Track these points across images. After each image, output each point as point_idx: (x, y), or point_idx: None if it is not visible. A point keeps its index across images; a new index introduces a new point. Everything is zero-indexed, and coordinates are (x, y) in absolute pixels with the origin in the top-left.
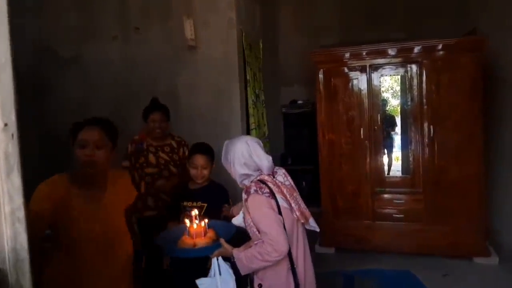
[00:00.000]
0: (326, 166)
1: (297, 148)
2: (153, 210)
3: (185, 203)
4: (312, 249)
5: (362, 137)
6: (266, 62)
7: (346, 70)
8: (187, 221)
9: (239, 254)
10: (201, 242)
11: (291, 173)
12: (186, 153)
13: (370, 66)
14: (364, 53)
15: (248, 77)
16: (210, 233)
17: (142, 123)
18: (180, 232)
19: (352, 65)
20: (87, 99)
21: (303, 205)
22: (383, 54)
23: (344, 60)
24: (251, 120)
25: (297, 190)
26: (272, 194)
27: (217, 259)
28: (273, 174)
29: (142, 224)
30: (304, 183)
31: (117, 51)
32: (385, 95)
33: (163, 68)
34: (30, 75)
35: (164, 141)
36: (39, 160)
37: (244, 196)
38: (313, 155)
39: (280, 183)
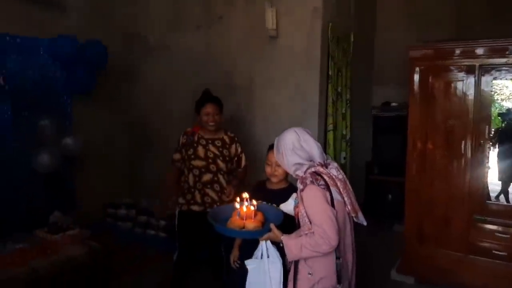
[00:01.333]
0: (415, 182)
1: (386, 157)
2: (199, 206)
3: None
4: (387, 275)
5: (462, 151)
6: (358, 57)
7: (449, 70)
8: (237, 203)
9: (289, 241)
10: (251, 224)
11: (377, 184)
12: (239, 150)
13: (481, 66)
14: (476, 50)
15: (330, 73)
16: (259, 216)
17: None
18: (229, 212)
19: (458, 64)
20: (168, 87)
21: (354, 198)
22: (501, 52)
23: (448, 57)
24: (329, 120)
25: (349, 184)
26: (327, 187)
27: (265, 243)
28: (325, 165)
29: (184, 219)
30: (390, 196)
31: (200, 41)
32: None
33: (241, 59)
34: (121, 61)
35: (216, 135)
36: (128, 141)
37: (299, 186)
38: (404, 166)
39: (334, 176)
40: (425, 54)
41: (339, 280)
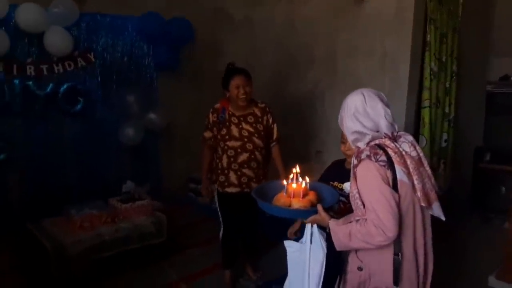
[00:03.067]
0: None
1: (501, 142)
2: (235, 187)
3: (335, 183)
4: (484, 281)
5: None
6: (471, 21)
7: None
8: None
9: (336, 227)
10: (298, 203)
11: (488, 173)
12: (270, 121)
13: None
14: None
15: (429, 39)
16: (311, 196)
17: (294, 87)
18: (278, 189)
19: None
20: (251, 62)
21: (429, 184)
22: None
23: None
24: (425, 94)
25: (427, 165)
26: (390, 164)
27: (311, 226)
28: (394, 138)
29: (222, 200)
30: (503, 188)
31: (281, 13)
32: None
33: (323, 29)
34: (206, 37)
35: (247, 110)
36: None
37: (354, 161)
38: None
39: (404, 152)
40: None
41: (395, 280)
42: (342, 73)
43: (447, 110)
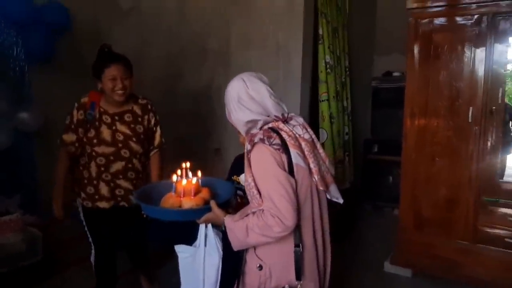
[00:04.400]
0: (412, 159)
1: (387, 134)
2: (108, 201)
3: (235, 177)
4: (381, 267)
5: (470, 120)
6: (357, 20)
7: (457, 20)
8: (175, 175)
9: (231, 223)
10: (189, 202)
11: (376, 164)
12: (153, 121)
13: (494, 14)
14: None
15: (321, 32)
16: (204, 193)
17: (187, 81)
18: (166, 189)
19: (468, 12)
20: (140, 54)
21: (324, 167)
22: None
23: (457, 5)
24: (322, 88)
25: (320, 147)
26: (284, 147)
27: (205, 227)
28: (286, 119)
29: (91, 217)
30: (391, 178)
31: (172, 3)
32: None
33: (216, 20)
34: (89, 26)
35: (123, 106)
36: None
37: (247, 146)
38: None
39: (297, 135)
40: (424, 2)
41: (297, 274)
42: (236, 65)
43: (345, 104)
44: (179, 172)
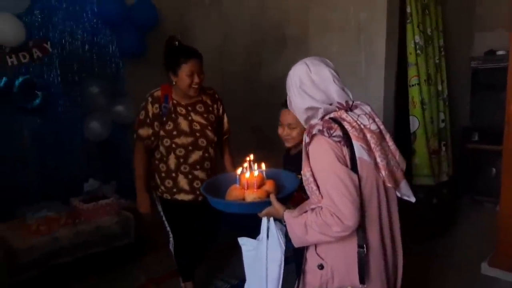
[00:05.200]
0: None
1: (489, 120)
2: (187, 194)
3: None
4: (477, 268)
5: None
6: None
7: None
8: (240, 168)
9: (290, 219)
10: (251, 195)
11: (476, 154)
12: (221, 109)
13: None
14: None
15: (409, 10)
16: (268, 186)
17: (266, 70)
18: (233, 180)
19: None
20: (222, 46)
21: (394, 161)
22: None
23: None
24: (412, 71)
25: (390, 138)
26: (347, 140)
27: (268, 220)
28: (350, 107)
29: (170, 209)
30: (494, 170)
31: None
32: None
33: (294, 4)
34: (174, 21)
35: (194, 97)
36: None
37: (305, 138)
38: None
39: (362, 125)
40: None
41: (361, 277)
42: (315, 52)
43: (440, 88)
44: (245, 164)
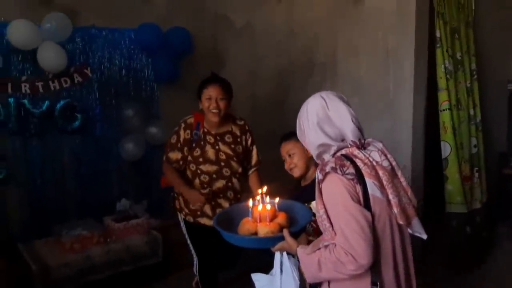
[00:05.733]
0: None
1: None
2: (209, 219)
3: (307, 205)
4: None
5: None
6: (487, 17)
7: None
8: (251, 200)
9: (303, 256)
10: (264, 229)
11: (509, 179)
12: (249, 141)
13: None
14: None
15: (439, 34)
16: (280, 218)
17: (295, 93)
18: (246, 212)
19: None
20: (253, 71)
21: (405, 198)
22: None
23: None
24: (442, 96)
25: (402, 174)
26: (359, 177)
27: (281, 254)
28: (363, 145)
29: (193, 231)
30: None
31: (281, 16)
32: None
33: (323, 30)
34: (208, 46)
35: (223, 127)
36: None
37: (318, 175)
38: None
39: (374, 162)
40: None
41: None
42: (343, 76)
43: (472, 113)
44: (257, 197)
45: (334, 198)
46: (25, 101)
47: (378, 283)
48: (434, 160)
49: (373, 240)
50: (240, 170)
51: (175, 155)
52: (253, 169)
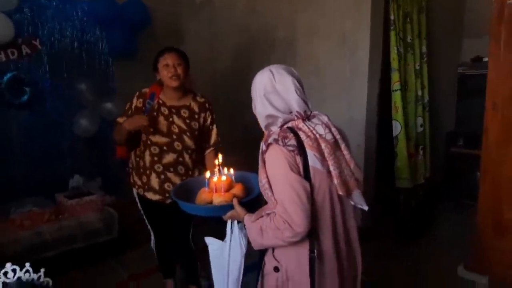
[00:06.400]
0: (493, 157)
1: (474, 126)
2: (156, 194)
3: None
4: (453, 270)
5: None
6: (440, 3)
7: None
8: (208, 172)
9: (249, 223)
10: (218, 198)
11: (461, 158)
12: (209, 120)
13: None
14: None
15: (392, 17)
16: (236, 189)
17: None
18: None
19: None
20: (212, 47)
21: (347, 170)
22: None
23: None
24: (394, 77)
25: (345, 147)
26: (300, 149)
27: (231, 223)
28: (308, 117)
29: (145, 205)
30: (478, 173)
31: None
32: None
33: (285, 9)
34: (166, 21)
35: (181, 101)
36: None
37: (262, 146)
38: None
39: (317, 135)
40: None
41: (312, 281)
42: (302, 57)
43: (419, 93)
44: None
45: (275, 168)
46: None
47: (316, 250)
48: (388, 139)
49: (310, 210)
50: (193, 146)
51: (122, 120)
52: (211, 149)
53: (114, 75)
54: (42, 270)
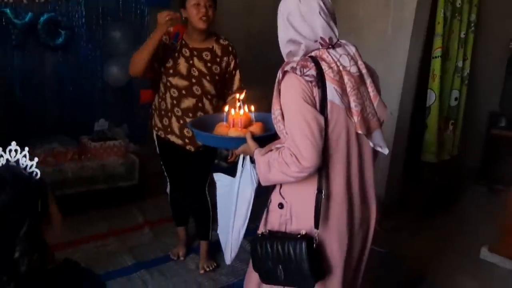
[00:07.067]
0: None
1: None
2: (177, 137)
3: None
4: (476, 253)
5: None
6: None
7: None
8: (227, 106)
9: (258, 156)
10: (234, 133)
11: (502, 141)
12: (232, 65)
13: None
14: None
15: None
16: (255, 127)
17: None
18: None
19: None
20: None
21: (370, 108)
22: None
23: None
24: (437, 42)
25: (371, 83)
26: (320, 80)
27: (243, 158)
28: (333, 45)
29: (164, 148)
30: None
31: None
32: None
33: None
34: None
35: (204, 43)
36: None
37: (279, 75)
38: None
39: (342, 67)
40: None
41: (316, 222)
42: (343, 14)
43: (460, 64)
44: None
45: (289, 98)
46: (7, 10)
47: (324, 190)
48: (420, 109)
49: (322, 146)
50: (213, 91)
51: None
52: (233, 95)
53: (149, 26)
54: (36, 159)
